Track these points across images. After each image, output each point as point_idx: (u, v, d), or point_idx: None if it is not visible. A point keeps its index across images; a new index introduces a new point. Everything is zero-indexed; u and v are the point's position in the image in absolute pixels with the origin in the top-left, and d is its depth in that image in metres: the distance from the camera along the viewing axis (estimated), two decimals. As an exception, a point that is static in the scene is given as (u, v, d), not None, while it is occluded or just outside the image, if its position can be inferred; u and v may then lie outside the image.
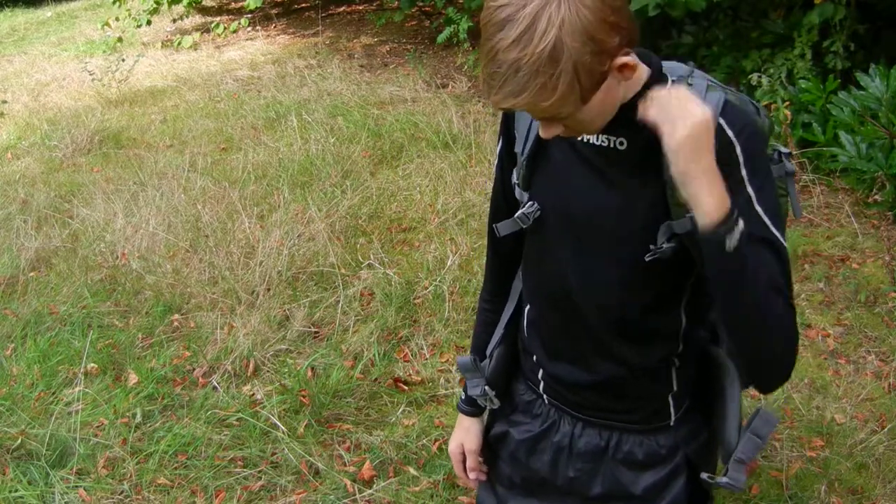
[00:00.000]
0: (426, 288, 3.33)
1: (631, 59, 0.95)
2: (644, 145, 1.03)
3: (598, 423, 1.26)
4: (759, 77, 4.23)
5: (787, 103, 3.92)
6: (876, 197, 3.53)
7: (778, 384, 1.12)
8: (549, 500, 1.34)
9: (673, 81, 1.05)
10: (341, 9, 9.26)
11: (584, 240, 1.14)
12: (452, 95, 5.69)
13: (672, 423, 1.25)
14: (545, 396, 1.32)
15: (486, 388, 1.38)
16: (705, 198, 0.94)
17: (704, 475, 1.22)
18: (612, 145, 1.07)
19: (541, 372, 1.30)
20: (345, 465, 2.48)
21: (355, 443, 2.57)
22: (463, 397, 1.44)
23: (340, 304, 3.25)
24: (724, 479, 1.15)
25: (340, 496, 2.35)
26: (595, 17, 0.89)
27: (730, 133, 1.01)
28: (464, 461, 1.45)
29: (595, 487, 1.28)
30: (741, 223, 0.95)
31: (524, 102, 0.92)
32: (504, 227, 1.23)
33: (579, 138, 1.10)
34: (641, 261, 1.08)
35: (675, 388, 1.22)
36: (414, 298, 3.29)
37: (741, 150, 1.01)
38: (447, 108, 5.26)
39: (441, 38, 6.18)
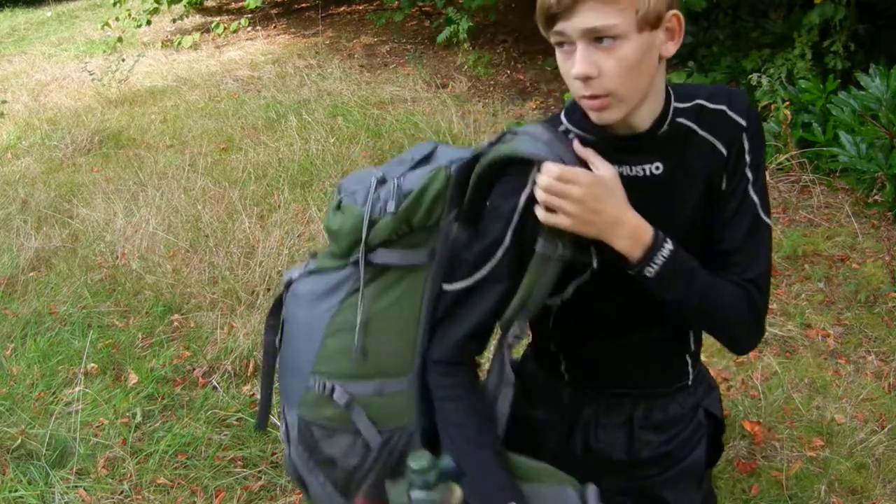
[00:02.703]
0: (426, 288, 3.33)
1: (680, 25, 0.99)
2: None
3: (623, 398, 1.25)
4: (759, 77, 4.24)
5: (787, 103, 3.92)
6: (876, 197, 3.53)
7: (748, 350, 1.19)
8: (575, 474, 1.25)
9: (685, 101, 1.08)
10: (341, 9, 9.26)
11: None
12: (452, 95, 5.69)
13: (690, 383, 1.26)
14: (569, 389, 1.28)
15: None
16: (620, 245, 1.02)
17: None
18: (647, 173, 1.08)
19: (563, 365, 1.27)
20: (345, 465, 2.47)
21: (355, 443, 2.57)
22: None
23: (340, 304, 3.24)
24: None
25: (340, 496, 2.35)
26: None
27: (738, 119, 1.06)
28: None
29: (620, 454, 1.26)
30: (664, 248, 1.01)
31: None
32: None
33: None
34: None
35: (692, 347, 1.24)
36: (414, 298, 3.29)
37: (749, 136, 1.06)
38: (447, 108, 5.26)
39: (441, 38, 6.19)
